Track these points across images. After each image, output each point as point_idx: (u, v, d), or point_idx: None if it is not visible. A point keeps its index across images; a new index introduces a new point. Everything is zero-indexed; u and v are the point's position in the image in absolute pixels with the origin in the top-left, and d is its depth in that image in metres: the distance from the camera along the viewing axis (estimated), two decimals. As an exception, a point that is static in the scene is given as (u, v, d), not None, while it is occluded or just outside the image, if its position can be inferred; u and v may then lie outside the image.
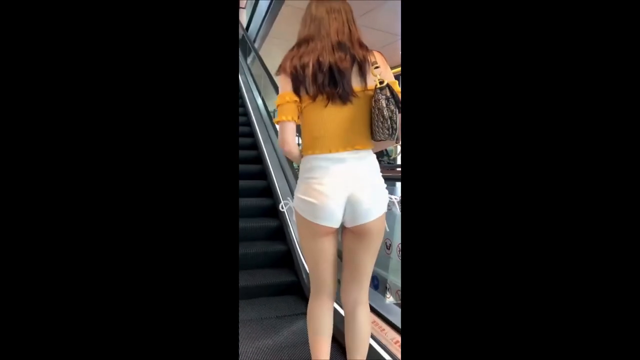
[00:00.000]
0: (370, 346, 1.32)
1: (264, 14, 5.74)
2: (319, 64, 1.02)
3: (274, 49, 6.09)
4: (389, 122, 1.00)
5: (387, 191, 1.10)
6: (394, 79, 1.08)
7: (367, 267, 1.15)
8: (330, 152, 1.05)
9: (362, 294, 1.17)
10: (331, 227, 1.08)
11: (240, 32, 5.85)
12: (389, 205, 1.12)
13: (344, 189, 1.03)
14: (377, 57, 1.06)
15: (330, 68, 1.02)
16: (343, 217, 1.07)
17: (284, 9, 5.17)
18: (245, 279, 2.04)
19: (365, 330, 1.17)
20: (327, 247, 1.12)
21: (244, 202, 2.62)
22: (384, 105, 0.99)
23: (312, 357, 1.18)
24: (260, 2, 6.12)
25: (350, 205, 1.04)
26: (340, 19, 1.07)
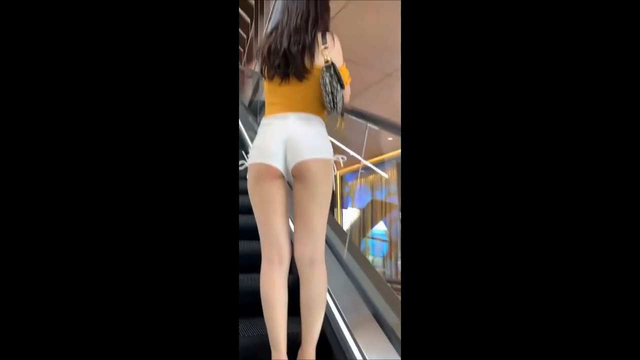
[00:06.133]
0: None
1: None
2: (276, 49, 1.19)
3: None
4: (330, 97, 1.13)
5: (330, 148, 1.19)
6: (342, 60, 1.23)
7: (316, 218, 1.15)
8: (277, 113, 1.19)
9: (316, 251, 1.15)
10: (273, 166, 1.14)
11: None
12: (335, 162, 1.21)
13: (283, 132, 1.15)
14: (328, 38, 1.20)
15: (285, 53, 1.18)
16: (284, 159, 1.15)
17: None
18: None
19: (320, 292, 1.14)
20: (274, 192, 1.16)
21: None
22: (328, 82, 1.13)
23: (268, 333, 1.15)
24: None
25: (290, 145, 1.14)
26: (302, 3, 1.22)
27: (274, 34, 1.23)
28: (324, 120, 1.24)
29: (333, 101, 1.13)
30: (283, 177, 1.17)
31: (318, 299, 1.14)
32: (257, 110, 5.32)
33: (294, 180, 1.17)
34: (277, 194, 1.16)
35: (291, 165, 1.14)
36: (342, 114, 1.22)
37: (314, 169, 1.12)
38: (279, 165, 1.14)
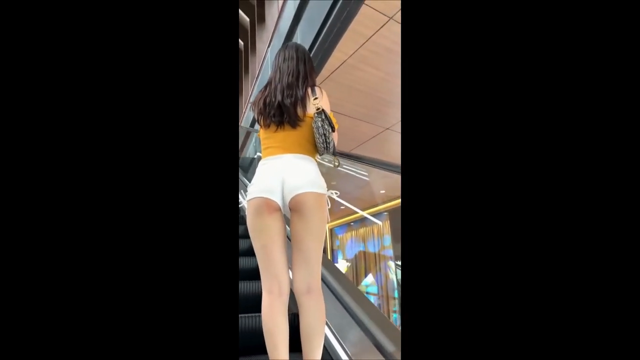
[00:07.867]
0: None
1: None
2: (271, 102, 1.35)
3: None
4: (323, 138, 1.27)
5: (324, 184, 1.28)
6: (329, 108, 1.39)
7: (311, 249, 1.23)
8: (274, 155, 1.31)
9: (313, 279, 1.22)
10: (271, 200, 1.22)
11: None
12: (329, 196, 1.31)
13: (279, 171, 1.25)
14: (317, 91, 1.37)
15: (279, 104, 1.33)
16: (282, 193, 1.23)
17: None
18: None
19: (318, 319, 1.20)
20: (272, 224, 1.23)
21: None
22: (320, 125, 1.27)
23: None
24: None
25: (286, 180, 1.23)
26: (292, 63, 1.41)
27: (267, 89, 1.39)
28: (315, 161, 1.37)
29: (326, 142, 1.27)
30: (280, 210, 1.25)
31: (316, 325, 1.19)
32: (245, 167, 5.45)
33: (291, 213, 1.25)
34: (275, 226, 1.24)
35: (288, 199, 1.23)
36: (334, 154, 1.36)
37: (309, 202, 1.21)
38: (277, 199, 1.23)
